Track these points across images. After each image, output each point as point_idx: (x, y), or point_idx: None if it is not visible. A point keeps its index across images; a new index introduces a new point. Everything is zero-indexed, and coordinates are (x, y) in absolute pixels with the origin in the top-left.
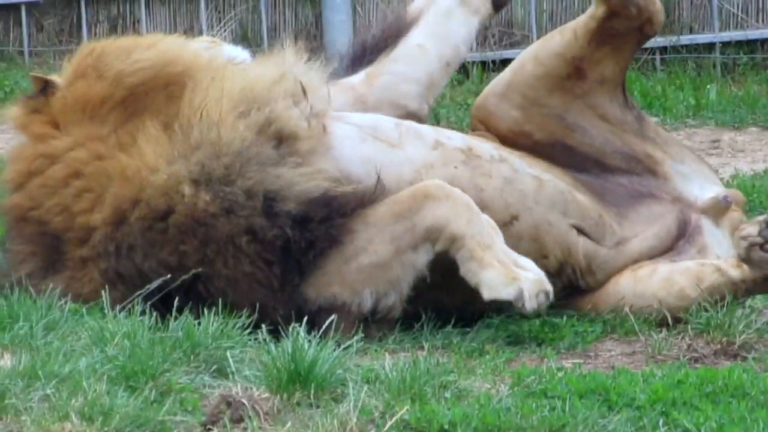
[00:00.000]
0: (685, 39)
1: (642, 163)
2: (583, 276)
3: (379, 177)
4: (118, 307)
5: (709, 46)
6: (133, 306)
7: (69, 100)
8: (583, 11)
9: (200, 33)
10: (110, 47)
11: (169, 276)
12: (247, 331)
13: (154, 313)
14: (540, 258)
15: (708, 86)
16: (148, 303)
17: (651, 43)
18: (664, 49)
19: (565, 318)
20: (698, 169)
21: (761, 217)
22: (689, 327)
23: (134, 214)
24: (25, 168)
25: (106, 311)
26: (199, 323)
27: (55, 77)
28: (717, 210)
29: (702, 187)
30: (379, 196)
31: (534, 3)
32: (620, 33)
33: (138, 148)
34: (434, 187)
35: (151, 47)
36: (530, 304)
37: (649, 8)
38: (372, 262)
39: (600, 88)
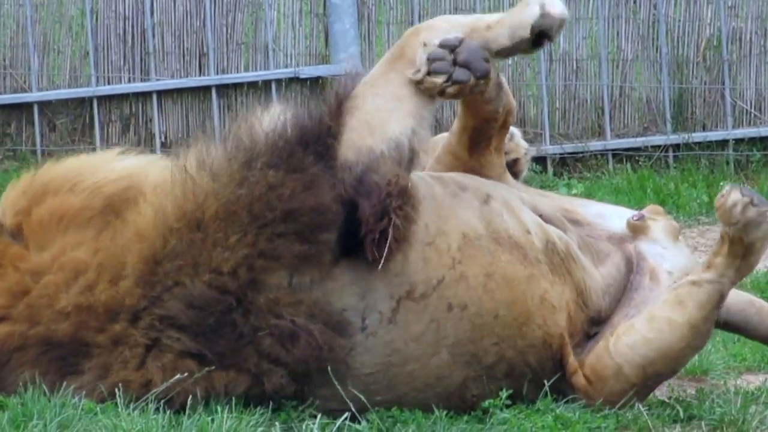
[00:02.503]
0: (698, 136)
1: (565, 217)
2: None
3: None
4: (132, 406)
5: (722, 143)
6: (147, 404)
7: (40, 217)
8: (595, 109)
9: (213, 131)
10: (61, 168)
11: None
12: (260, 428)
13: (168, 411)
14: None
15: (721, 183)
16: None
17: (664, 140)
18: (677, 147)
19: (577, 413)
20: (603, 206)
21: (731, 184)
22: (703, 423)
23: (167, 247)
24: (4, 298)
25: (120, 409)
26: (213, 420)
27: None
28: (639, 229)
29: (619, 217)
30: None
31: (546, 101)
32: (490, 135)
33: (141, 209)
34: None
35: (110, 162)
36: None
37: (507, 107)
38: (387, 99)
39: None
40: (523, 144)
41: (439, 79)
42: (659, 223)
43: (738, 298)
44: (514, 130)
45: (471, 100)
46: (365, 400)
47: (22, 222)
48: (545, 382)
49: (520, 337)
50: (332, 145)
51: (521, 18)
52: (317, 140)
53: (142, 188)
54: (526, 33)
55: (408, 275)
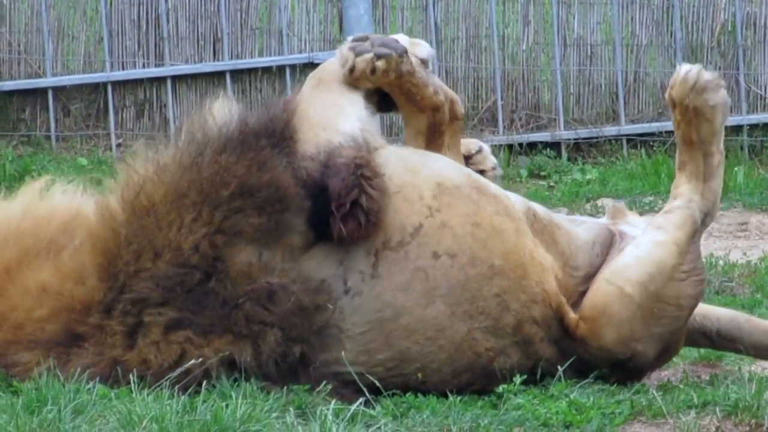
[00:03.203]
0: None
1: None
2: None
3: None
4: (146, 391)
5: (737, 129)
6: (161, 389)
7: None
8: (610, 94)
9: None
10: None
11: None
12: (275, 414)
13: (182, 397)
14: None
15: (735, 168)
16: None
17: None
18: None
19: (592, 399)
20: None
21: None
22: (717, 409)
23: (119, 237)
24: None
25: (134, 395)
26: (227, 405)
27: None
28: (619, 212)
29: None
30: None
31: (560, 86)
32: (442, 129)
33: (88, 214)
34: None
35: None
36: None
37: (449, 95)
38: (328, 107)
39: None
40: (492, 159)
41: (368, 56)
42: (636, 214)
43: (726, 311)
44: (484, 145)
45: (411, 90)
46: (367, 366)
47: None
48: (556, 343)
49: (521, 291)
50: (290, 137)
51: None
52: (272, 134)
53: (78, 212)
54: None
55: (381, 226)
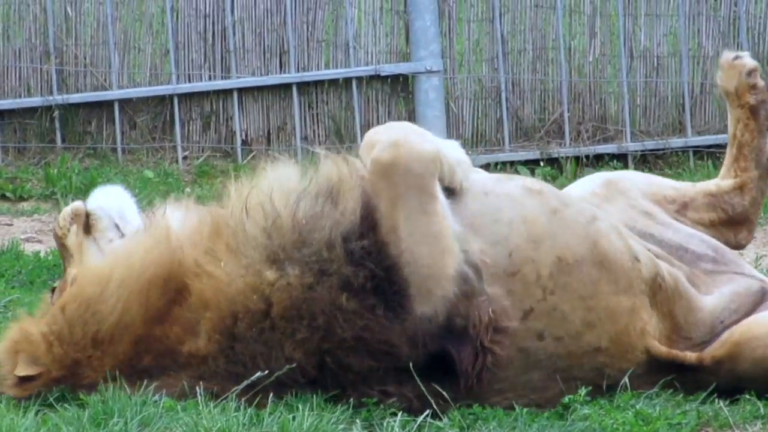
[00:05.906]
0: None
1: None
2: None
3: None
4: (212, 403)
5: None
6: (228, 401)
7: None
8: (676, 106)
9: (293, 129)
10: (65, 300)
11: (294, 365)
12: (342, 426)
13: (248, 409)
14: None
15: None
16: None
17: None
18: None
19: (658, 409)
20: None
21: None
22: None
23: (238, 327)
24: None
25: (200, 407)
26: (294, 417)
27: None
28: None
29: None
30: None
31: (627, 97)
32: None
33: (204, 273)
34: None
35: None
36: None
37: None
38: (430, 245)
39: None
40: None
41: None
42: None
43: None
44: None
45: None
46: None
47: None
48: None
49: (625, 361)
50: (403, 293)
51: None
52: (384, 292)
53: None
54: None
55: None
